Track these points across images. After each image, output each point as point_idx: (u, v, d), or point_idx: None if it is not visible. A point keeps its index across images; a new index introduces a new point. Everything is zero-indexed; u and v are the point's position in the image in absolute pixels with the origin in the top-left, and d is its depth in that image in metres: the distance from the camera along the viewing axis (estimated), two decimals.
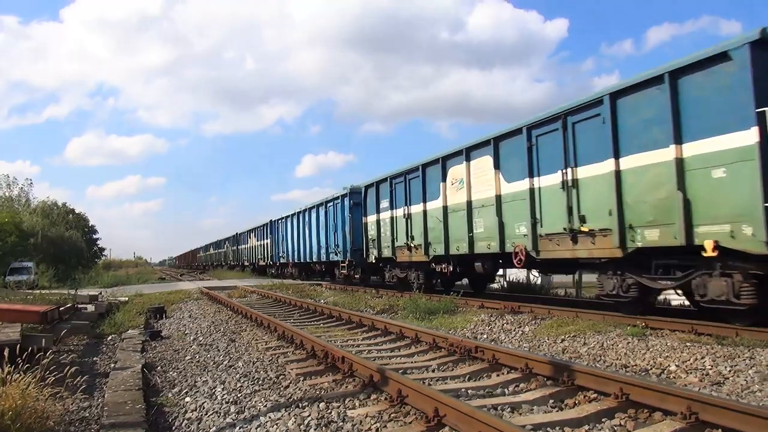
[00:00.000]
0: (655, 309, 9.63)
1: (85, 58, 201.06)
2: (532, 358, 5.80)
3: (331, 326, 10.39)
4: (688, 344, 6.95)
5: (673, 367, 6.27)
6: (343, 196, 20.34)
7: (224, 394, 5.71)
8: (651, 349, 6.97)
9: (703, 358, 6.37)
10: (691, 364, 6.28)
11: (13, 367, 5.12)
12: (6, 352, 5.57)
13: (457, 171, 12.96)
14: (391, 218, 16.11)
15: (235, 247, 46.59)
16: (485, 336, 9.13)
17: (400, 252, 15.56)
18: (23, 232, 40.02)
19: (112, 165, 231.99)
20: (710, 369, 6.03)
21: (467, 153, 12.49)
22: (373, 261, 17.66)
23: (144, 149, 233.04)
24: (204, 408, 5.34)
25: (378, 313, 12.53)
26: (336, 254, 20.99)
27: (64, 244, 48.15)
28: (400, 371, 6.17)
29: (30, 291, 13.07)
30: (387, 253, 16.51)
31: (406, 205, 15.21)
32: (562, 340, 8.16)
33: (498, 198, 11.33)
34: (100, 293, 16.42)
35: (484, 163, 11.93)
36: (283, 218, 29.50)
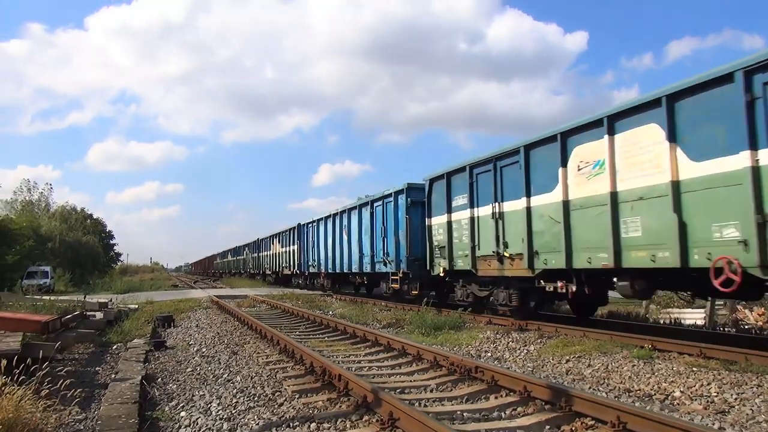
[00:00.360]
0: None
1: (108, 66, 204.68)
2: (531, 381, 5.69)
3: (335, 340, 10.33)
4: (694, 369, 6.79)
5: (677, 393, 6.12)
6: (398, 192, 16.57)
7: (219, 410, 5.68)
8: (656, 373, 6.82)
9: (709, 384, 6.22)
10: (696, 390, 6.13)
11: (10, 378, 5.14)
12: (3, 363, 5.60)
13: (588, 150, 9.29)
14: (471, 219, 12.30)
15: (255, 254, 43.05)
16: (489, 354, 9.01)
17: (484, 263, 11.92)
18: (41, 236, 40.65)
19: (132, 171, 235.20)
20: (716, 396, 5.88)
21: (610, 123, 8.81)
22: (441, 274, 13.67)
23: (163, 156, 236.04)
24: (198, 424, 5.30)
25: (384, 327, 12.45)
26: (385, 264, 17.20)
27: (81, 249, 48.99)
28: (398, 390, 6.12)
29: (39, 298, 13.18)
30: (462, 264, 12.72)
31: (495, 201, 11.47)
32: (567, 361, 8.02)
33: (675, 185, 7.67)
34: (111, 300, 16.52)
35: (643, 135, 8.30)
36: (314, 221, 25.65)
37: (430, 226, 14.45)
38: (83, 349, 10.08)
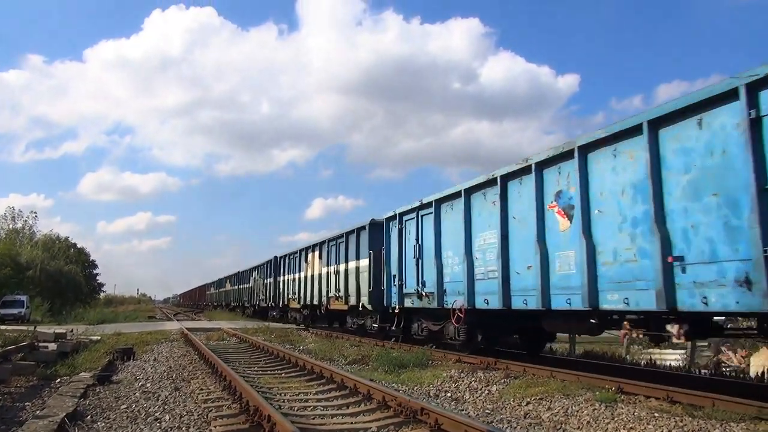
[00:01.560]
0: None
1: (104, 97, 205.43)
2: (473, 426, 5.23)
3: (292, 377, 9.81)
4: (656, 414, 6.35)
5: None
6: None
7: None
8: (616, 419, 6.37)
9: (670, 431, 5.78)
10: None
11: None
12: None
13: None
14: None
15: (270, 280, 30.73)
16: (449, 395, 8.52)
17: None
18: (19, 265, 39.86)
19: (124, 201, 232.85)
20: None
21: None
22: None
23: (156, 187, 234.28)
24: None
25: (349, 363, 11.92)
26: None
27: (62, 278, 48.05)
28: None
29: None
30: None
31: None
32: (528, 403, 7.56)
33: None
34: (71, 331, 15.89)
35: None
36: (423, 207, 13.23)
37: None
38: (24, 382, 9.51)
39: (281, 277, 28.23)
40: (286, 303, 27.30)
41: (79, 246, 62.62)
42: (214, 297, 55.85)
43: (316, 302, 22.05)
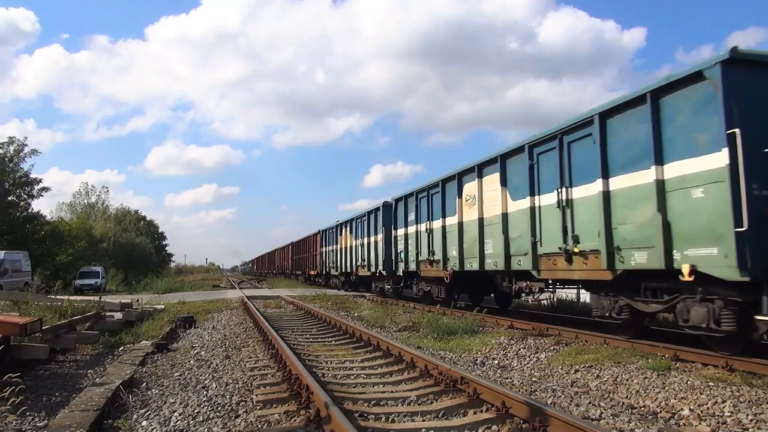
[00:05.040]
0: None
1: (166, 74, 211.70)
2: (509, 396, 5.11)
3: (340, 344, 9.93)
4: (711, 383, 6.03)
5: (686, 412, 5.40)
6: None
7: (178, 421, 5.36)
8: (667, 388, 6.09)
9: (724, 402, 5.48)
10: (708, 409, 5.40)
11: None
12: None
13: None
14: None
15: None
16: (496, 362, 8.40)
17: None
18: (93, 237, 42.01)
19: (190, 175, 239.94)
20: (728, 417, 5.15)
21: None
22: None
23: (220, 160, 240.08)
24: None
25: (399, 330, 11.96)
26: None
27: (133, 250, 50.47)
28: (373, 402, 5.66)
29: (57, 297, 13.25)
30: None
31: None
32: (576, 371, 7.36)
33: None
34: (137, 300, 16.64)
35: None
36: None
37: None
38: (90, 350, 10.03)
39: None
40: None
41: (148, 218, 65.46)
42: (333, 257, 33.23)
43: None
